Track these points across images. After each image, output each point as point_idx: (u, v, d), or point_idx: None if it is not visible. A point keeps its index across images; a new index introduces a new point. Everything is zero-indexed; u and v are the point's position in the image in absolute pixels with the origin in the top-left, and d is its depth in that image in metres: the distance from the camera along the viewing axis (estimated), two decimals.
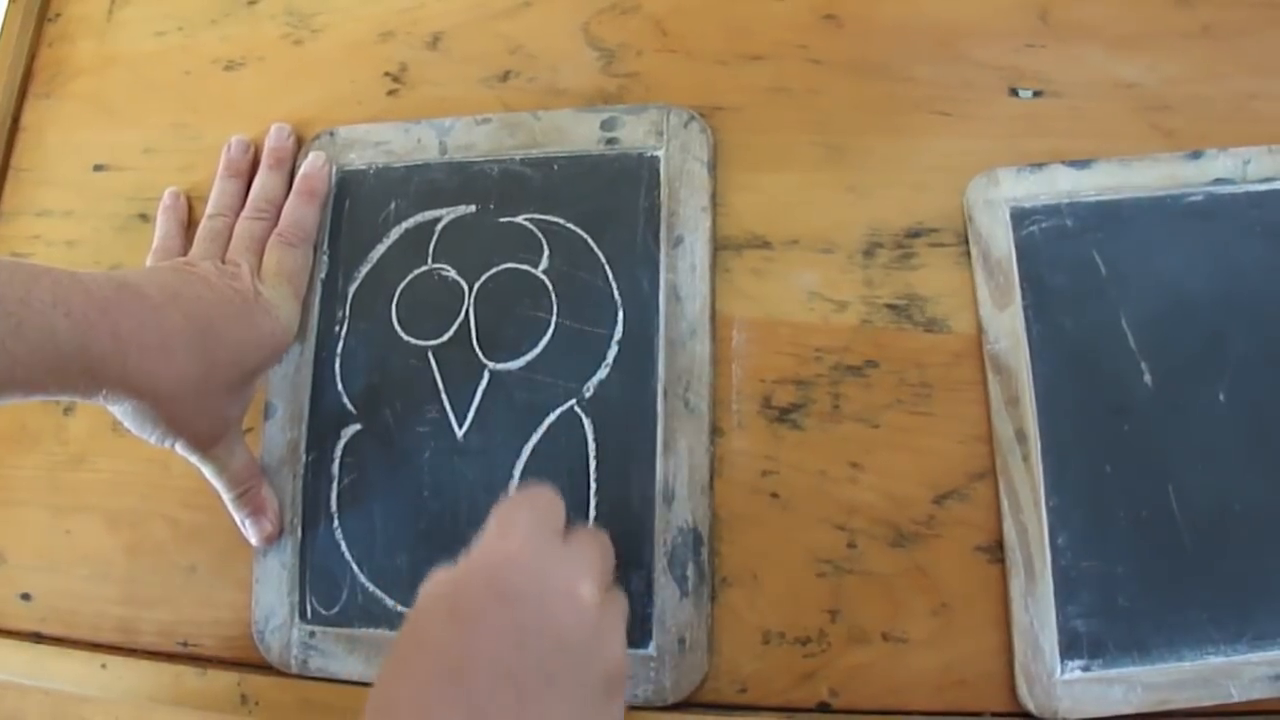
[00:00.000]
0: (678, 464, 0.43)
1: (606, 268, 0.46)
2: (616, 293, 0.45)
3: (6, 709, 0.48)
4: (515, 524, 0.36)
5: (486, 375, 0.46)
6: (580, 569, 0.35)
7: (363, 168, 0.50)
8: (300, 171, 0.50)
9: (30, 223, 0.55)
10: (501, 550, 0.35)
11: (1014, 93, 0.46)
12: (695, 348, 0.44)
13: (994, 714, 0.39)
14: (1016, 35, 0.46)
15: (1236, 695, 0.38)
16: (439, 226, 0.48)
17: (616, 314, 0.45)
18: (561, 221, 0.47)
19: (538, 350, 0.45)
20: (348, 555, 0.45)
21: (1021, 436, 0.41)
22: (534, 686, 0.32)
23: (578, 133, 0.48)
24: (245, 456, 0.45)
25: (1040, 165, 0.44)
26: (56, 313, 0.36)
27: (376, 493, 0.46)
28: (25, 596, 0.49)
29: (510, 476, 0.44)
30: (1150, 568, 0.39)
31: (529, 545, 0.36)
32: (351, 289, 0.48)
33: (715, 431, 0.44)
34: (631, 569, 0.42)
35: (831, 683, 0.41)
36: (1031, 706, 0.39)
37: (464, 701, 0.31)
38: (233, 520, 0.46)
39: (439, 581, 0.35)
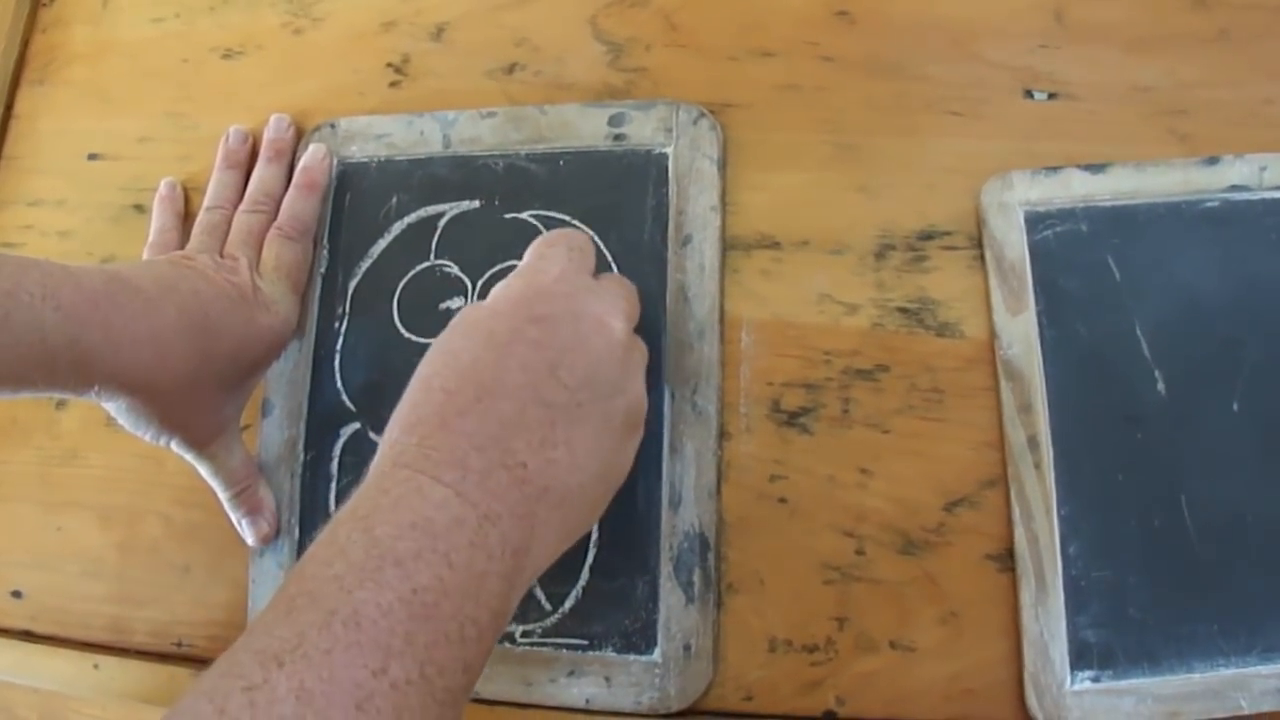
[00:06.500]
0: (684, 467, 0.42)
1: (613, 267, 0.45)
2: None
3: None
4: (552, 258, 0.37)
5: None
6: (612, 305, 0.36)
7: (364, 161, 0.49)
8: (300, 164, 0.49)
9: (22, 213, 0.54)
10: (538, 281, 0.36)
11: (1028, 94, 0.45)
12: (703, 349, 0.43)
13: None
14: (1031, 36, 0.46)
15: (1246, 707, 0.38)
16: (442, 222, 0.47)
17: None
18: (567, 219, 0.46)
19: None
20: None
21: (1033, 444, 0.40)
22: (562, 409, 0.32)
23: (585, 128, 0.47)
24: (242, 455, 0.44)
25: (1055, 169, 0.43)
26: (46, 306, 0.35)
27: None
28: (16, 594, 0.48)
29: None
30: (1162, 578, 0.39)
31: (565, 277, 0.36)
32: (352, 285, 0.48)
33: (723, 435, 0.43)
34: (637, 574, 0.42)
35: (838, 691, 0.40)
36: (1040, 717, 0.38)
37: (493, 419, 0.31)
38: (228, 519, 0.45)
39: (476, 307, 0.35)
